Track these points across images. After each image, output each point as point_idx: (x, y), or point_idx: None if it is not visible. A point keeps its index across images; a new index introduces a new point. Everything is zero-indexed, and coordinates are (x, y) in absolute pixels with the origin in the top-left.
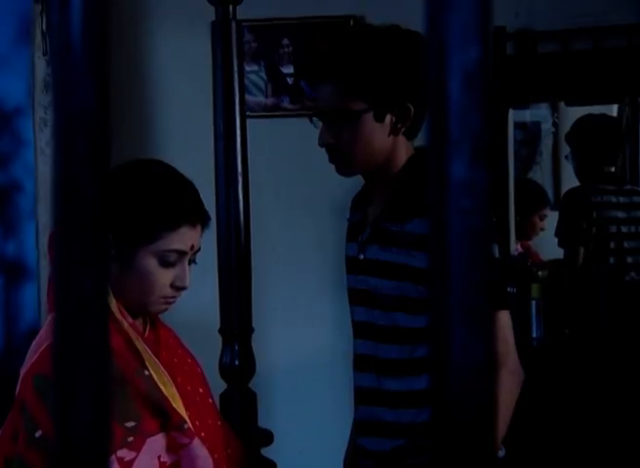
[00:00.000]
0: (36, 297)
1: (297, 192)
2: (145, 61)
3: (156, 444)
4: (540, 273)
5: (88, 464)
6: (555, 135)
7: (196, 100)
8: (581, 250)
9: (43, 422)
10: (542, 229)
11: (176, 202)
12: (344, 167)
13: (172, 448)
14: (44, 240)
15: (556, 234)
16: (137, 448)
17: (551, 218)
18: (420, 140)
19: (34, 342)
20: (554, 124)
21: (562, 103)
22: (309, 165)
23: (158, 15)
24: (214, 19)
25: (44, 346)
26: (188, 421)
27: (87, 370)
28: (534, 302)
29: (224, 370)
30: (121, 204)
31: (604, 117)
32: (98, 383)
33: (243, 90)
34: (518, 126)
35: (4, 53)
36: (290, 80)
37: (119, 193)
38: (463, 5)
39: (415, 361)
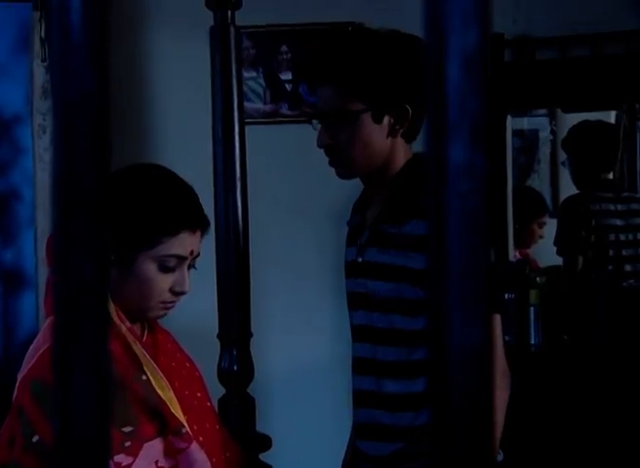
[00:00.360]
0: (34, 305)
1: (295, 198)
2: (144, 66)
3: (153, 449)
4: (538, 279)
5: (90, 456)
6: (553, 142)
7: (195, 105)
8: (580, 258)
9: (40, 427)
10: (541, 237)
11: (176, 207)
12: (344, 169)
13: (169, 452)
14: (42, 248)
15: (555, 243)
16: (134, 453)
17: (550, 226)
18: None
19: (32, 347)
20: (552, 131)
21: (560, 111)
22: (308, 171)
23: (157, 20)
24: (212, 24)
25: (41, 351)
26: (186, 426)
27: (87, 355)
28: (532, 309)
29: (223, 374)
30: (121, 208)
31: (600, 123)
32: (98, 368)
33: (242, 94)
34: (516, 133)
35: (3, 61)
36: (288, 86)
37: (119, 198)
38: None
39: (413, 363)
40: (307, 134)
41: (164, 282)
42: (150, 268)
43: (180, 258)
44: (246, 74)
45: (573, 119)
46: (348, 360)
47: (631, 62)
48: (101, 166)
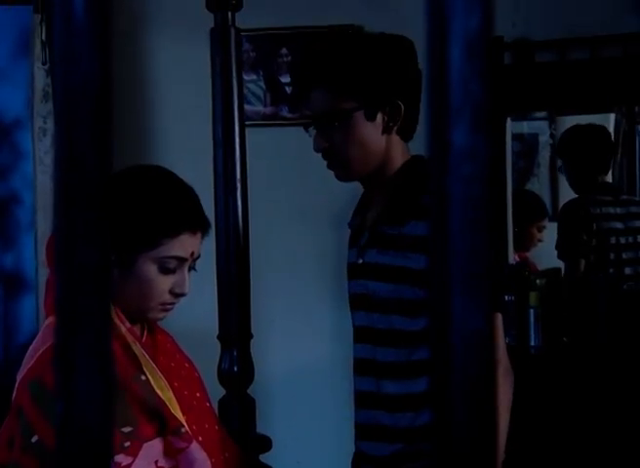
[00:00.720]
0: (34, 309)
1: (295, 200)
2: (145, 68)
3: (153, 449)
4: (538, 281)
5: (93, 447)
6: (553, 146)
7: (195, 107)
8: (582, 262)
9: (39, 428)
10: (540, 240)
11: (176, 209)
12: (342, 170)
13: (169, 452)
14: (43, 251)
15: (557, 247)
16: (133, 453)
17: (549, 230)
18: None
19: (31, 347)
20: (552, 135)
21: (559, 116)
22: (308, 173)
23: (157, 22)
24: (213, 26)
25: (40, 351)
26: (185, 425)
27: (89, 340)
28: (532, 311)
29: (223, 376)
30: (122, 210)
31: (592, 127)
32: (99, 354)
33: (242, 96)
34: (516, 137)
35: (3, 65)
36: (288, 89)
37: (120, 199)
38: None
39: (412, 364)
40: (307, 136)
41: (164, 283)
42: (150, 269)
43: (181, 260)
44: (246, 77)
45: (572, 123)
46: (348, 361)
47: (630, 65)
48: (104, 150)
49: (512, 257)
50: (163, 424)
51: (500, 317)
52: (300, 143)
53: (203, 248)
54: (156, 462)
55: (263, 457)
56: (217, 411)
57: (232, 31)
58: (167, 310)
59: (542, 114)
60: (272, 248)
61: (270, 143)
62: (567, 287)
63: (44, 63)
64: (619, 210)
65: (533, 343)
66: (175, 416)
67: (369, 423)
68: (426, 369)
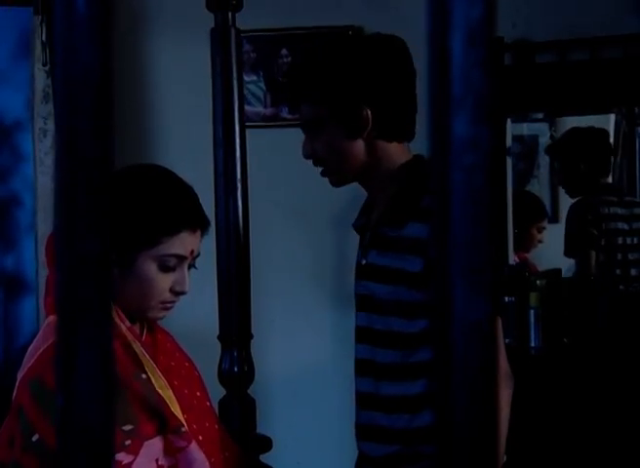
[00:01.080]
0: (35, 310)
1: (295, 201)
2: (145, 68)
3: (153, 447)
4: (538, 282)
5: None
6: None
7: (195, 107)
8: (593, 254)
9: (40, 427)
10: (540, 241)
11: (176, 207)
12: (332, 177)
13: (169, 451)
14: (43, 253)
15: (566, 244)
16: (134, 451)
17: (549, 231)
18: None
19: (31, 346)
20: (552, 137)
21: (559, 117)
22: (308, 174)
23: (157, 22)
24: (213, 26)
25: (41, 350)
26: (185, 425)
27: (89, 337)
28: (532, 311)
29: (223, 376)
30: (121, 208)
31: (592, 129)
32: (100, 351)
33: (242, 96)
34: (516, 139)
35: (4, 67)
36: None
37: (119, 197)
38: None
39: (410, 366)
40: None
41: (164, 281)
42: (150, 268)
43: (181, 258)
44: (246, 78)
45: (572, 124)
46: (348, 361)
47: (630, 66)
48: (106, 141)
49: (512, 258)
50: (163, 423)
51: (498, 320)
52: (300, 145)
53: (203, 247)
54: (157, 460)
55: (264, 458)
56: (217, 412)
57: (233, 32)
58: (167, 309)
59: (542, 116)
60: (272, 248)
61: (270, 144)
62: (577, 283)
63: (44, 65)
64: (624, 211)
65: (533, 344)
66: (175, 415)
67: (368, 424)
68: (424, 371)
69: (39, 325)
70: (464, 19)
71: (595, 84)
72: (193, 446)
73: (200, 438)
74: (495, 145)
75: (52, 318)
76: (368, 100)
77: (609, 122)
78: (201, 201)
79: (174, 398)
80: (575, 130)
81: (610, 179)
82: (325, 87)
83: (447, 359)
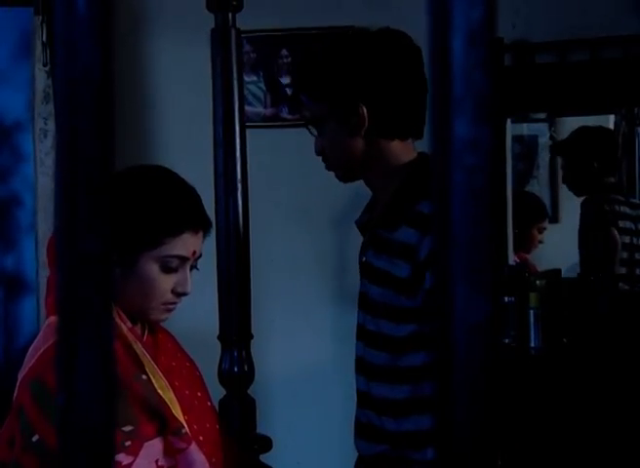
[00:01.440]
0: (35, 310)
1: (296, 201)
2: (145, 69)
3: (153, 448)
4: (538, 282)
5: (95, 439)
6: (552, 148)
7: (196, 107)
8: (615, 231)
9: (40, 427)
10: (541, 242)
11: (178, 208)
12: (336, 172)
13: (169, 452)
14: (43, 253)
15: (580, 242)
16: (134, 452)
17: (549, 231)
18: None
19: (32, 347)
20: (552, 137)
21: (559, 117)
22: (308, 174)
23: (158, 23)
24: (213, 26)
25: (42, 350)
26: (186, 426)
27: (90, 337)
28: (532, 311)
29: (223, 376)
30: (124, 209)
31: (601, 129)
32: (100, 344)
33: (242, 96)
34: (515, 139)
35: (4, 68)
36: (289, 90)
37: (122, 198)
38: None
39: (399, 369)
40: (307, 137)
41: (166, 282)
42: (152, 269)
43: (183, 259)
44: (247, 78)
45: (572, 124)
46: (348, 361)
47: (630, 67)
48: (106, 140)
49: (512, 259)
50: (164, 424)
51: None
52: (301, 144)
53: (203, 248)
54: (156, 461)
55: (264, 458)
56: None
57: (233, 32)
58: (169, 310)
59: (542, 116)
60: (273, 248)
61: (271, 145)
62: (578, 282)
63: (45, 65)
64: (631, 211)
65: (533, 344)
66: (175, 417)
67: (363, 422)
68: (412, 376)
69: (39, 325)
70: (465, 19)
71: (595, 84)
72: (193, 447)
73: (201, 438)
74: (495, 145)
75: (52, 318)
76: (363, 98)
77: (608, 122)
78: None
79: (174, 399)
80: (584, 129)
81: (613, 179)
82: (324, 84)
83: (448, 359)
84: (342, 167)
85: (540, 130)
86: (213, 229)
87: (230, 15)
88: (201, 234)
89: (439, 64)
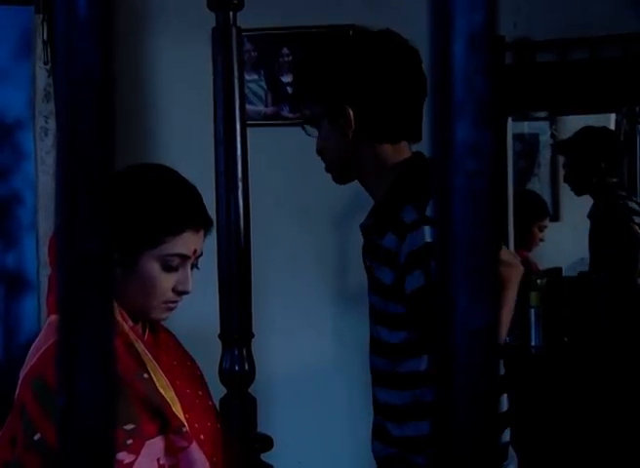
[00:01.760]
0: (36, 308)
1: (297, 200)
2: (146, 68)
3: (155, 446)
4: (538, 281)
5: (96, 439)
6: (553, 146)
7: (197, 106)
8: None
9: (41, 426)
10: (542, 240)
11: (179, 206)
12: (330, 173)
13: (170, 450)
14: (44, 251)
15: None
16: (136, 450)
17: (550, 230)
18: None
19: (34, 345)
20: (552, 135)
21: (560, 116)
22: (309, 173)
23: (158, 21)
24: (214, 25)
25: (43, 349)
26: (187, 425)
27: (91, 337)
28: (533, 310)
29: (224, 375)
30: (124, 208)
31: (605, 129)
32: (101, 351)
33: (243, 95)
34: (516, 137)
35: (5, 66)
36: (289, 89)
37: (122, 197)
38: None
39: (398, 375)
40: (308, 137)
41: (167, 281)
42: (153, 267)
43: (184, 258)
44: (247, 77)
45: (573, 123)
46: (349, 361)
47: (631, 65)
48: (107, 139)
49: None
50: (165, 422)
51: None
52: (301, 143)
53: (204, 247)
54: (158, 460)
55: (265, 457)
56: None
57: (234, 31)
58: (170, 309)
59: (543, 114)
60: (273, 247)
61: (271, 143)
62: (568, 285)
63: (45, 63)
64: (638, 208)
65: (533, 343)
66: (176, 416)
67: (376, 422)
68: (412, 382)
69: (40, 323)
70: (466, 24)
71: (596, 83)
72: (194, 446)
73: (202, 437)
74: (496, 150)
75: (54, 317)
76: (350, 100)
77: (609, 121)
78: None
79: (175, 398)
80: (588, 129)
81: (615, 178)
82: (317, 85)
83: (448, 364)
84: (336, 168)
85: (540, 128)
86: (213, 228)
87: (231, 13)
88: (202, 233)
89: (440, 69)
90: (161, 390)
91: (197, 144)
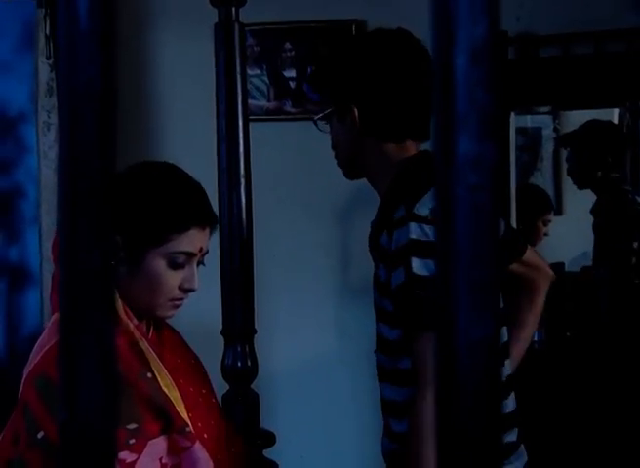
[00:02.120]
0: (39, 303)
1: (299, 195)
2: (148, 64)
3: (157, 446)
4: None
5: (97, 440)
6: (556, 140)
7: (199, 102)
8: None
9: (45, 424)
10: (546, 234)
11: (185, 204)
12: (341, 168)
13: (173, 450)
14: (47, 245)
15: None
16: (138, 450)
17: (553, 224)
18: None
19: (37, 343)
20: (555, 129)
21: (563, 110)
22: (312, 168)
23: (161, 17)
24: (216, 21)
25: (47, 347)
26: (190, 425)
27: (92, 329)
28: None
29: (227, 371)
30: (130, 206)
31: (610, 123)
32: (102, 343)
33: (246, 91)
34: (519, 131)
35: (7, 59)
36: (292, 84)
37: (128, 195)
38: None
39: (399, 372)
40: (311, 131)
41: (173, 279)
42: (159, 265)
43: (190, 255)
44: (250, 72)
45: (576, 117)
46: (352, 357)
47: (634, 60)
48: (108, 151)
49: None
50: (168, 422)
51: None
52: (304, 138)
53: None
54: (160, 459)
55: (267, 452)
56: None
57: (236, 26)
58: (176, 307)
59: (546, 108)
60: (276, 243)
61: (274, 138)
62: (570, 280)
63: (48, 58)
64: None
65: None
66: (180, 415)
67: (384, 419)
68: (410, 379)
69: (43, 316)
70: (468, 37)
71: (599, 78)
72: (197, 445)
73: (205, 436)
74: (499, 162)
75: (57, 315)
76: (355, 99)
77: (612, 115)
78: None
79: (179, 397)
80: (594, 122)
81: (618, 173)
82: (328, 83)
83: (451, 373)
84: (345, 165)
85: (543, 122)
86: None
87: (234, 9)
88: (208, 230)
89: (442, 81)
90: (165, 389)
91: (199, 140)
